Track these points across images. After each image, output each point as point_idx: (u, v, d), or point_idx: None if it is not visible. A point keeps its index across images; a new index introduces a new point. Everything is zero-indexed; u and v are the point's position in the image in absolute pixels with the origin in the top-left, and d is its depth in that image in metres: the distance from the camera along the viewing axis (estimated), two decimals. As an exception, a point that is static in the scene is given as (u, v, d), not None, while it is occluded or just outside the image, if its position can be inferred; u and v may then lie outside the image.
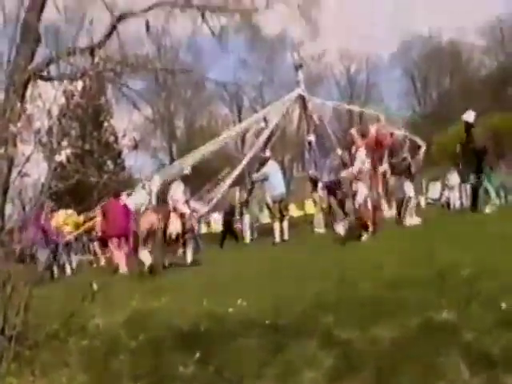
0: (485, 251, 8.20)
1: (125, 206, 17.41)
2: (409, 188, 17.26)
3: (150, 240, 15.72)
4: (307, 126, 28.60)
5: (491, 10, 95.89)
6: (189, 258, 15.60)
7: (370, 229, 14.27)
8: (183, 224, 15.63)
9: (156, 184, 16.63)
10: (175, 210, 15.63)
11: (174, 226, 15.43)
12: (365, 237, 14.13)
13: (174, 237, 15.39)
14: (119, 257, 17.44)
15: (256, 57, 38.31)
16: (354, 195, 15.04)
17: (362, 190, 14.82)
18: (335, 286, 7.59)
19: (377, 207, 15.31)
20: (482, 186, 16.91)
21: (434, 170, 29.85)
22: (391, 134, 18.11)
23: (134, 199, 16.68)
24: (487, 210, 16.56)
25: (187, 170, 17.52)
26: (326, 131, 28.45)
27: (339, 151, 19.45)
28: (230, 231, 25.25)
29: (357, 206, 14.81)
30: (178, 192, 15.76)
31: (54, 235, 19.13)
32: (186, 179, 16.51)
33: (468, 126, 17.15)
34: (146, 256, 15.49)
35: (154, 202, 16.20)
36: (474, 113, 17.42)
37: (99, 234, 19.92)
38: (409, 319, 5.52)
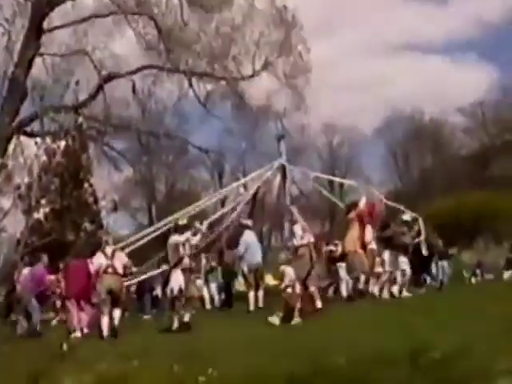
0: (458, 331, 8.17)
1: (87, 267, 17.22)
2: (403, 262, 17.76)
3: (113, 302, 15.52)
4: (287, 196, 28.62)
5: (472, 91, 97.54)
6: (186, 317, 14.60)
7: (296, 313, 14.06)
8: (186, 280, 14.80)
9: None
10: (178, 263, 14.87)
11: (177, 281, 14.69)
12: (295, 321, 13.88)
13: (176, 293, 14.56)
14: (73, 319, 17.13)
15: (240, 124, 38.57)
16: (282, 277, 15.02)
17: (289, 273, 14.84)
18: (308, 360, 7.50)
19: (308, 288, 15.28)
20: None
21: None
22: (385, 205, 18.70)
23: (94, 261, 16.31)
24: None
25: (203, 227, 17.25)
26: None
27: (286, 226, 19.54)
28: (228, 295, 24.82)
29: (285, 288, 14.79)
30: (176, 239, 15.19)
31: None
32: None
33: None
34: (105, 321, 15.31)
35: (117, 266, 15.82)
36: (409, 213, 19.33)
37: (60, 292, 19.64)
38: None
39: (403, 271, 17.93)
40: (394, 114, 74.73)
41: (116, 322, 15.31)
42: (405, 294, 17.66)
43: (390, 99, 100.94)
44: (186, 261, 15.07)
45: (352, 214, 17.74)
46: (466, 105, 70.20)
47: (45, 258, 18.42)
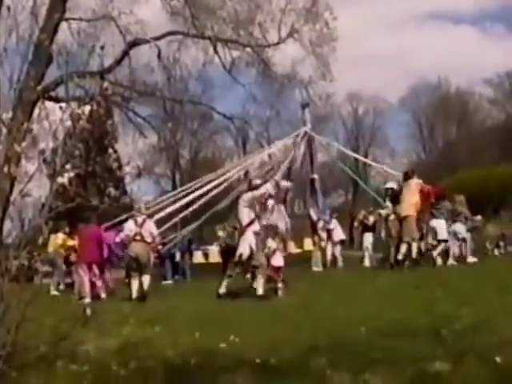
0: (479, 303, 8.15)
1: (98, 233, 17.55)
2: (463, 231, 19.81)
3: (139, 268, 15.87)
4: (311, 164, 28.61)
5: (500, 62, 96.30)
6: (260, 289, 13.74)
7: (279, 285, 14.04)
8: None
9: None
10: (247, 227, 14.13)
11: (247, 244, 14.00)
12: (280, 293, 13.81)
13: (244, 258, 13.94)
14: (84, 285, 17.37)
15: (265, 92, 38.35)
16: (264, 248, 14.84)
17: (270, 244, 14.72)
18: (329, 330, 7.52)
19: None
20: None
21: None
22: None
23: (125, 227, 16.70)
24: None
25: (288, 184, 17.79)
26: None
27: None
28: None
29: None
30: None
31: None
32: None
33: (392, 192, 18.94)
34: (134, 285, 15.70)
35: (146, 235, 16.09)
36: (394, 182, 19.92)
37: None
38: (402, 368, 5.45)
39: (464, 239, 19.99)
40: (420, 84, 74.38)
41: (146, 287, 15.80)
42: (471, 259, 19.26)
43: (416, 69, 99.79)
44: (257, 224, 14.51)
45: (414, 182, 18.17)
46: (493, 76, 69.69)
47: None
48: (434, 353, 5.75)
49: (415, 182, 18.15)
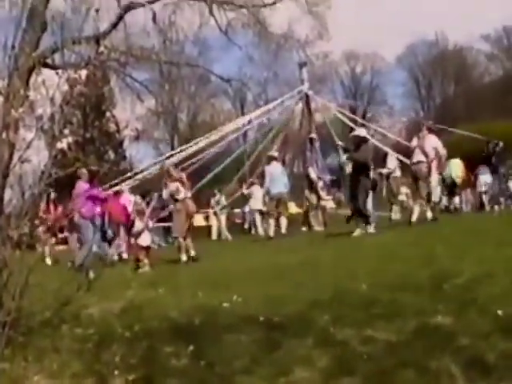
0: (482, 256, 8.19)
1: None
2: None
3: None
4: (310, 124, 28.58)
5: (498, 17, 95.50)
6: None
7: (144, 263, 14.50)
8: None
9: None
10: None
11: None
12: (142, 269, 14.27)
13: None
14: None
15: (262, 53, 38.23)
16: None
17: (137, 225, 15.23)
18: (330, 287, 7.57)
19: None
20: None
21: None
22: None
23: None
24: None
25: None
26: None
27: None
28: None
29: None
30: None
31: None
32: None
33: (360, 140, 16.82)
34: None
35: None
36: (364, 129, 19.37)
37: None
38: (404, 322, 5.51)
39: None
40: (417, 41, 74.08)
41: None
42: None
43: (413, 26, 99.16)
44: None
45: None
46: (490, 31, 69.34)
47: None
48: (436, 307, 5.80)
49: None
